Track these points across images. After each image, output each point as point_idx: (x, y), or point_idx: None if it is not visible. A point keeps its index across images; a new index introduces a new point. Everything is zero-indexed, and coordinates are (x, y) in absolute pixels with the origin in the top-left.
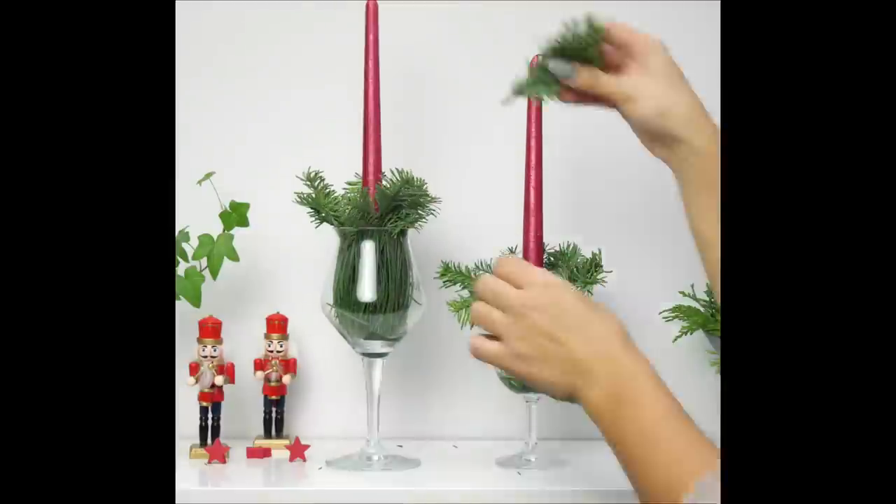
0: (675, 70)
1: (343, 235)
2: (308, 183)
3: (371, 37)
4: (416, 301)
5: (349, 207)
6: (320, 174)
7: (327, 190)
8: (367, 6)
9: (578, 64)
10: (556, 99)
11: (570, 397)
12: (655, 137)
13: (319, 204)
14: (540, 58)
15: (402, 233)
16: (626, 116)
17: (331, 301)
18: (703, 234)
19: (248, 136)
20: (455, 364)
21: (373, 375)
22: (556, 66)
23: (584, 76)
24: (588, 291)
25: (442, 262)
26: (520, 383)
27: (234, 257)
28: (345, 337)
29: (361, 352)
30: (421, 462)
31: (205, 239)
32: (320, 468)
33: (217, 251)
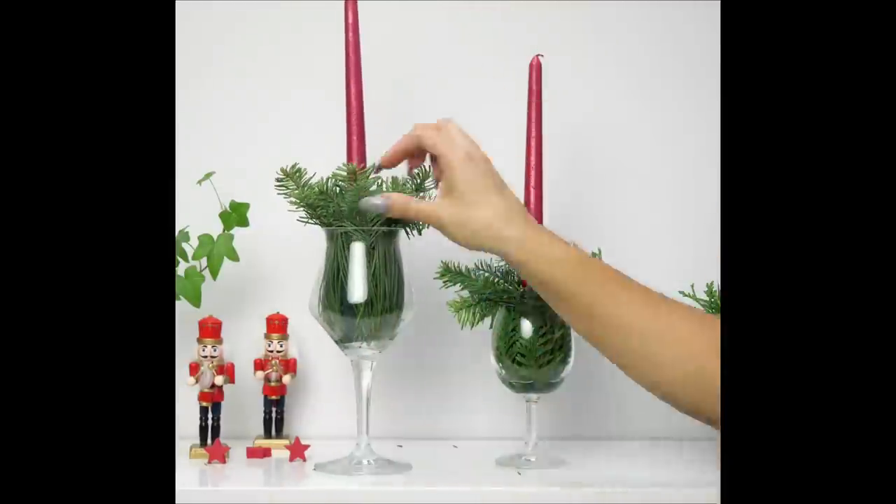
0: (480, 183)
1: (331, 235)
2: (286, 178)
3: (350, 35)
4: (406, 303)
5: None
6: (300, 169)
7: (304, 180)
8: (346, 4)
9: (391, 194)
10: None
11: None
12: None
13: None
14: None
15: (393, 233)
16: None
17: (318, 302)
18: (623, 320)
19: (248, 136)
20: (455, 364)
21: (361, 378)
22: (366, 204)
23: (397, 205)
24: None
25: (442, 262)
26: (520, 384)
27: (234, 257)
28: (332, 338)
29: (349, 354)
30: (412, 466)
31: (205, 239)
32: (314, 469)
33: (217, 251)
